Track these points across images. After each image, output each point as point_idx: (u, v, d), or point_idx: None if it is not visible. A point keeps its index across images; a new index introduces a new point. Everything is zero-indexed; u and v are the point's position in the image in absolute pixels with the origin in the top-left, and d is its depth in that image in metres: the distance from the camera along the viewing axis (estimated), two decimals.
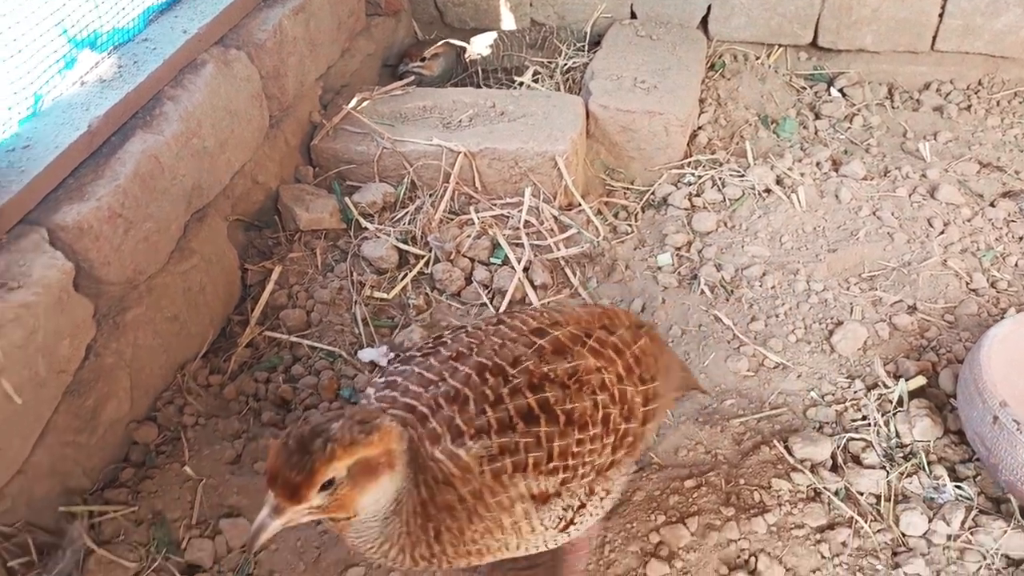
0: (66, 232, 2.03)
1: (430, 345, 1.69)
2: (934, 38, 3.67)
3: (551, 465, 1.54)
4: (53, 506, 2.01)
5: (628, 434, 1.69)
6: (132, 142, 2.28)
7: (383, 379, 1.65)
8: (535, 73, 3.67)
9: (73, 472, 2.08)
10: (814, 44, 3.80)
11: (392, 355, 2.60)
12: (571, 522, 1.66)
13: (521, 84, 3.60)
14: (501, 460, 1.49)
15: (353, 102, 3.23)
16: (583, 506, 1.66)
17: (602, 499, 1.72)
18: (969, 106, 3.66)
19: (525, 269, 2.85)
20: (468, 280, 2.86)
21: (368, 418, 1.35)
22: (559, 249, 2.95)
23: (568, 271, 2.91)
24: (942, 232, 2.92)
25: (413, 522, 1.46)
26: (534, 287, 2.82)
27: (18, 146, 2.10)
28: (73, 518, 1.98)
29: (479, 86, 3.72)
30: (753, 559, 2.01)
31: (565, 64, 3.68)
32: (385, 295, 2.78)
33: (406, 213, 3.03)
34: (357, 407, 1.53)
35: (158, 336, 2.35)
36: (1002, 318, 2.55)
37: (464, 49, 3.82)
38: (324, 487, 1.30)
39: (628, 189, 3.29)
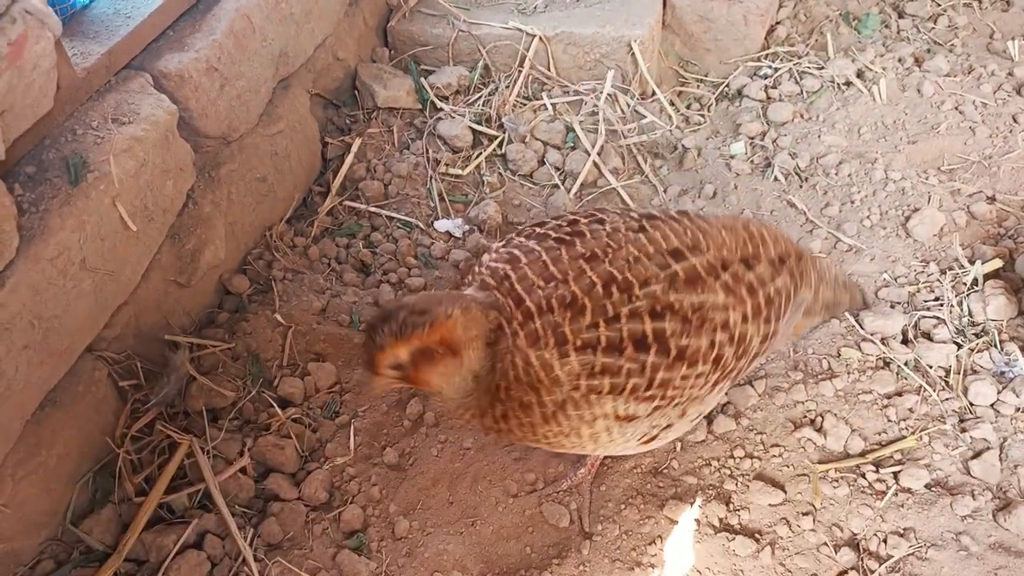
0: (168, 79, 2.12)
1: (567, 230, 1.59)
2: None
3: (647, 393, 1.51)
4: (157, 339, 2.16)
5: (737, 369, 1.65)
6: (226, 0, 2.34)
7: (507, 249, 1.60)
8: None
9: (175, 311, 2.22)
10: None
11: (467, 228, 2.68)
12: (655, 437, 1.66)
13: None
14: (600, 379, 1.47)
15: None
16: (671, 426, 1.65)
17: (693, 420, 1.70)
18: None
19: (598, 153, 2.87)
20: (541, 162, 2.90)
21: (427, 307, 1.42)
22: (631, 135, 2.96)
23: (639, 158, 2.93)
24: None
25: (484, 397, 1.54)
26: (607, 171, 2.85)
27: None
28: (176, 348, 2.12)
29: None
30: (819, 419, 2.07)
31: None
32: (460, 172, 2.84)
33: (480, 96, 3.06)
34: (424, 294, 1.72)
35: (249, 194, 2.45)
36: None
37: None
38: (394, 367, 1.46)
39: (701, 81, 3.26)
